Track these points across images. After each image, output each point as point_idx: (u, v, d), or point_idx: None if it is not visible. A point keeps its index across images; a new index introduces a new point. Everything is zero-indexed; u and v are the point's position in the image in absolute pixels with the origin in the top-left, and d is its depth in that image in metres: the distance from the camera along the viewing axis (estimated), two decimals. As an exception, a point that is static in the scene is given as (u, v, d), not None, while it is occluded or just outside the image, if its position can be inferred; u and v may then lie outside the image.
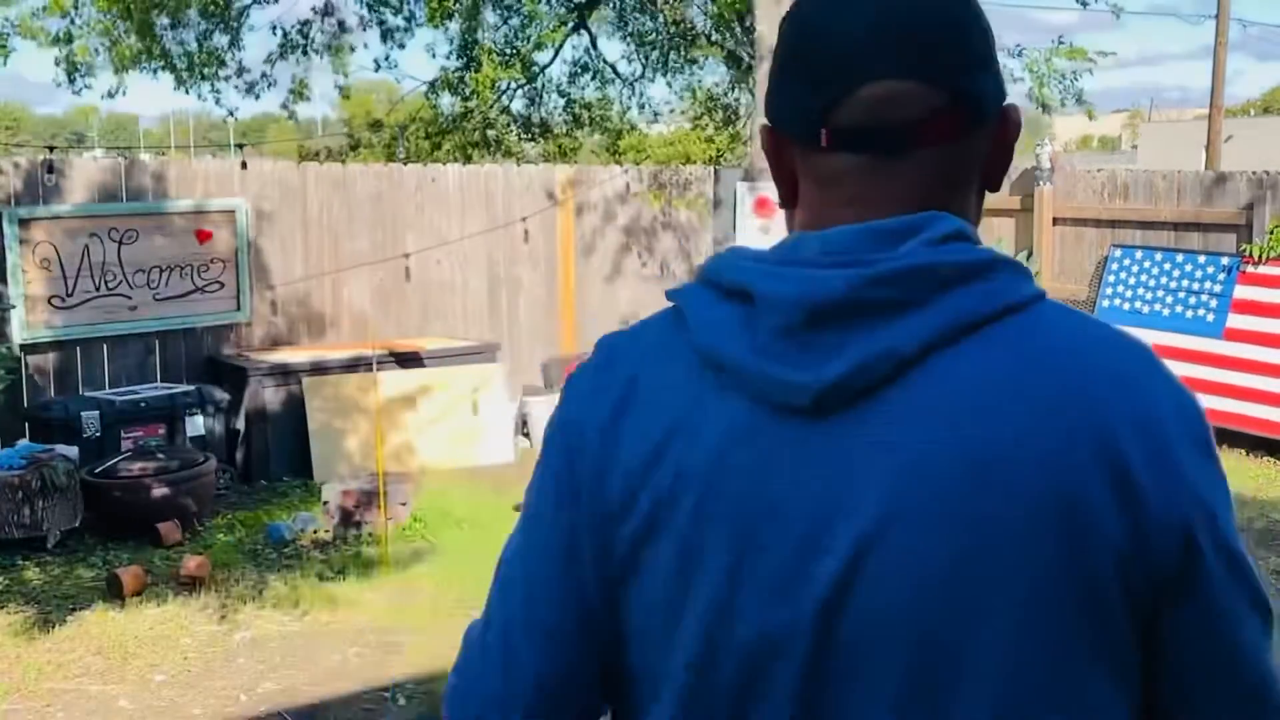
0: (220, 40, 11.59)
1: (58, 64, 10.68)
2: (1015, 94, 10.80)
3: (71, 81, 10.81)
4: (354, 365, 7.91)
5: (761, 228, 9.11)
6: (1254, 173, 8.70)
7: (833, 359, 0.91)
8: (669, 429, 0.96)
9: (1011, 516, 0.89)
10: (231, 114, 12.60)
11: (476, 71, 11.44)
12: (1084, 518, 0.88)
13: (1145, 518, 0.89)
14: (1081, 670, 0.90)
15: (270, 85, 12.25)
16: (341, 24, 12.01)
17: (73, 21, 10.29)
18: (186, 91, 12.01)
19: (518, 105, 12.64)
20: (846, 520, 0.90)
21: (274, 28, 12.06)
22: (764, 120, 1.05)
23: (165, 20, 10.96)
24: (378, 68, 13.18)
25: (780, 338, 0.92)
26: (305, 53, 11.97)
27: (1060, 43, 10.02)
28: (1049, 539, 0.89)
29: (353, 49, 12.20)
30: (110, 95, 11.40)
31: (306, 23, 11.94)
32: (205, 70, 11.61)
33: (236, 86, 12.11)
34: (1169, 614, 0.92)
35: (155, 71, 11.30)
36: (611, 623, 1.02)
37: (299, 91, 12.18)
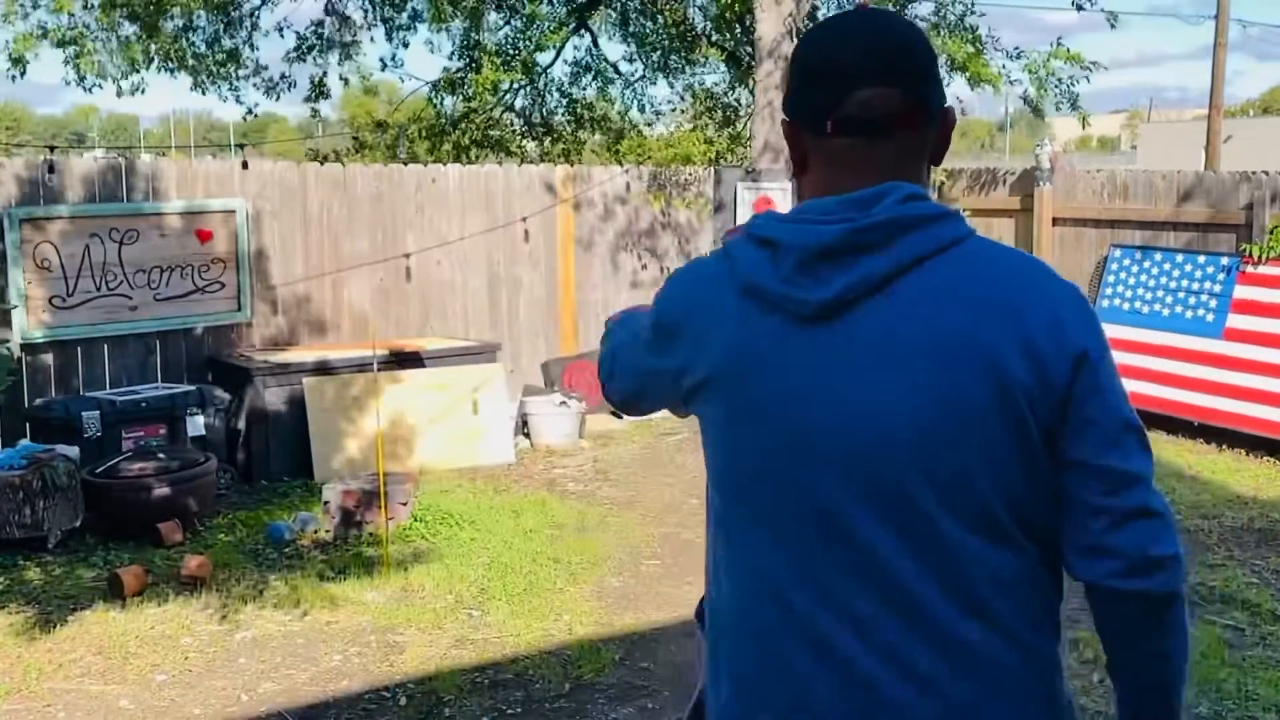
0: (231, 41, 11.62)
1: (66, 64, 10.69)
2: (1012, 96, 10.84)
3: (82, 80, 10.81)
4: (354, 365, 7.92)
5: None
6: (1253, 173, 8.71)
7: (828, 284, 1.42)
8: (719, 331, 1.50)
9: (956, 379, 1.39)
10: (251, 111, 12.68)
11: (478, 73, 11.45)
12: (1004, 376, 1.39)
13: (1044, 367, 1.40)
14: (1013, 470, 1.42)
15: (291, 86, 12.30)
16: (347, 20, 12.03)
17: (86, 27, 10.30)
18: (204, 93, 12.07)
19: (519, 103, 12.65)
20: (839, 377, 1.42)
21: (280, 29, 12.08)
22: (784, 116, 1.56)
23: (175, 23, 10.99)
24: (384, 66, 13.17)
25: (795, 270, 1.43)
26: (323, 52, 12.01)
27: (1059, 45, 10.01)
28: (984, 390, 1.39)
29: (360, 44, 12.23)
30: (131, 93, 11.39)
31: (320, 22, 11.99)
32: (223, 70, 11.64)
33: (256, 85, 12.18)
34: (1067, 424, 1.43)
35: (173, 72, 11.33)
36: (672, 397, 1.67)
37: (319, 90, 12.23)
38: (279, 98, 12.43)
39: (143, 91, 11.49)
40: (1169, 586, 1.45)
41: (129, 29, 10.58)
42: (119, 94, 11.30)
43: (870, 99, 1.45)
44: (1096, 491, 1.43)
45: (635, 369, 1.72)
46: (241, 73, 11.84)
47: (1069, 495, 1.45)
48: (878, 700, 1.42)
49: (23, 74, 10.29)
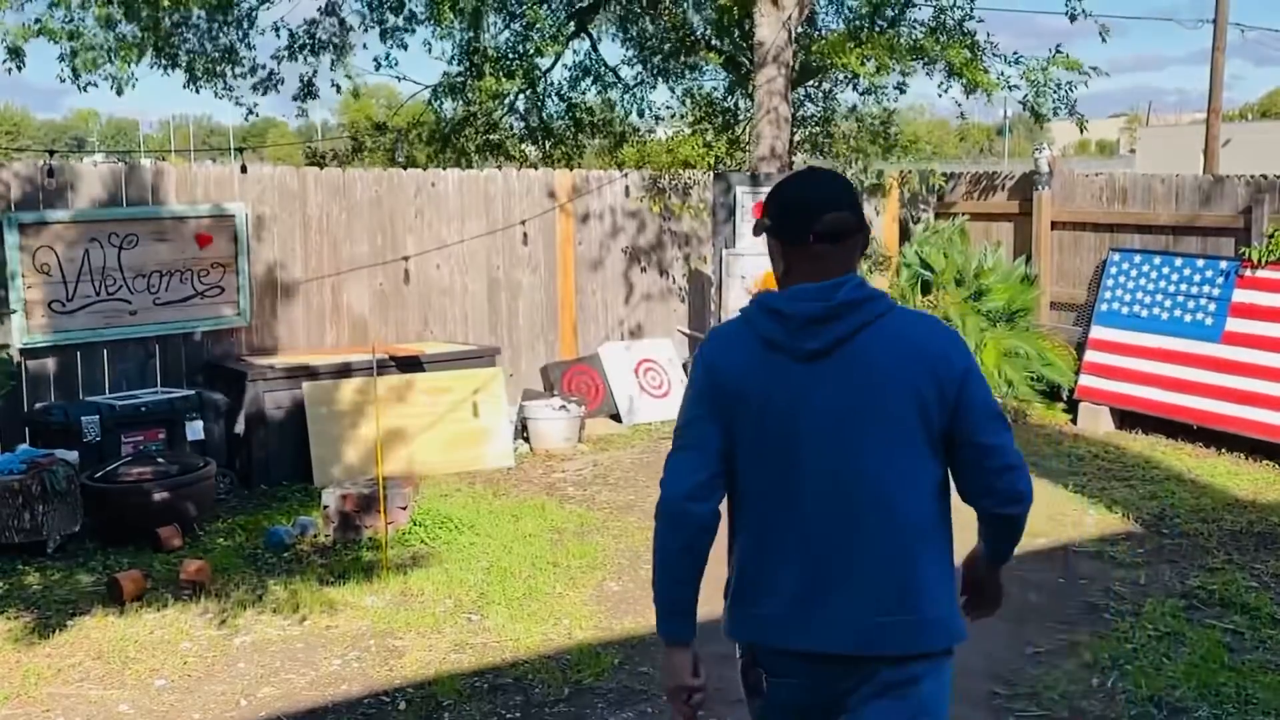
0: (228, 39, 11.55)
1: (61, 60, 10.63)
2: (1009, 102, 10.85)
3: (76, 77, 10.74)
4: (354, 369, 7.92)
5: (761, 232, 9.11)
6: (1252, 177, 8.71)
7: (815, 339, 2.37)
8: (748, 371, 2.41)
9: (890, 397, 2.35)
10: (252, 111, 12.59)
11: (478, 79, 11.44)
12: (921, 396, 2.34)
13: (945, 390, 2.34)
14: (922, 452, 2.38)
15: (280, 84, 12.21)
16: (343, 22, 11.99)
17: (81, 21, 10.24)
18: (198, 90, 11.93)
19: (520, 106, 12.64)
20: (818, 394, 2.36)
21: (276, 28, 12.04)
22: (770, 236, 2.50)
23: (172, 20, 10.93)
24: (378, 66, 13.11)
25: (796, 329, 2.37)
26: (314, 52, 11.95)
27: (1057, 52, 10.01)
28: (908, 403, 2.34)
29: (352, 48, 12.18)
30: (120, 90, 11.29)
31: (314, 22, 11.93)
32: (218, 67, 11.56)
33: (255, 87, 12.09)
34: (959, 416, 2.36)
35: (165, 69, 11.25)
36: (730, 447, 2.43)
37: (308, 90, 12.17)
38: (266, 93, 12.32)
39: (133, 86, 11.40)
40: (1023, 508, 2.47)
41: (126, 27, 10.52)
42: (118, 91, 11.20)
43: (835, 219, 2.41)
44: (982, 455, 2.39)
45: (704, 429, 2.45)
46: (238, 71, 11.76)
47: (964, 459, 2.41)
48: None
49: (20, 68, 10.21)
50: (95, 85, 11.40)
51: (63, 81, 11.03)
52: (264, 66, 12.04)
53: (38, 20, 10.07)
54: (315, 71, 12.25)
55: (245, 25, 11.61)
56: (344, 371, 7.91)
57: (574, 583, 5.77)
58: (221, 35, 11.55)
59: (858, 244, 2.45)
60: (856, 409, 2.35)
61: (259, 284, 8.31)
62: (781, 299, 2.41)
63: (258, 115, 13.04)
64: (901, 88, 11.38)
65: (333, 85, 12.65)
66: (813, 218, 2.39)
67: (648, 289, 10.29)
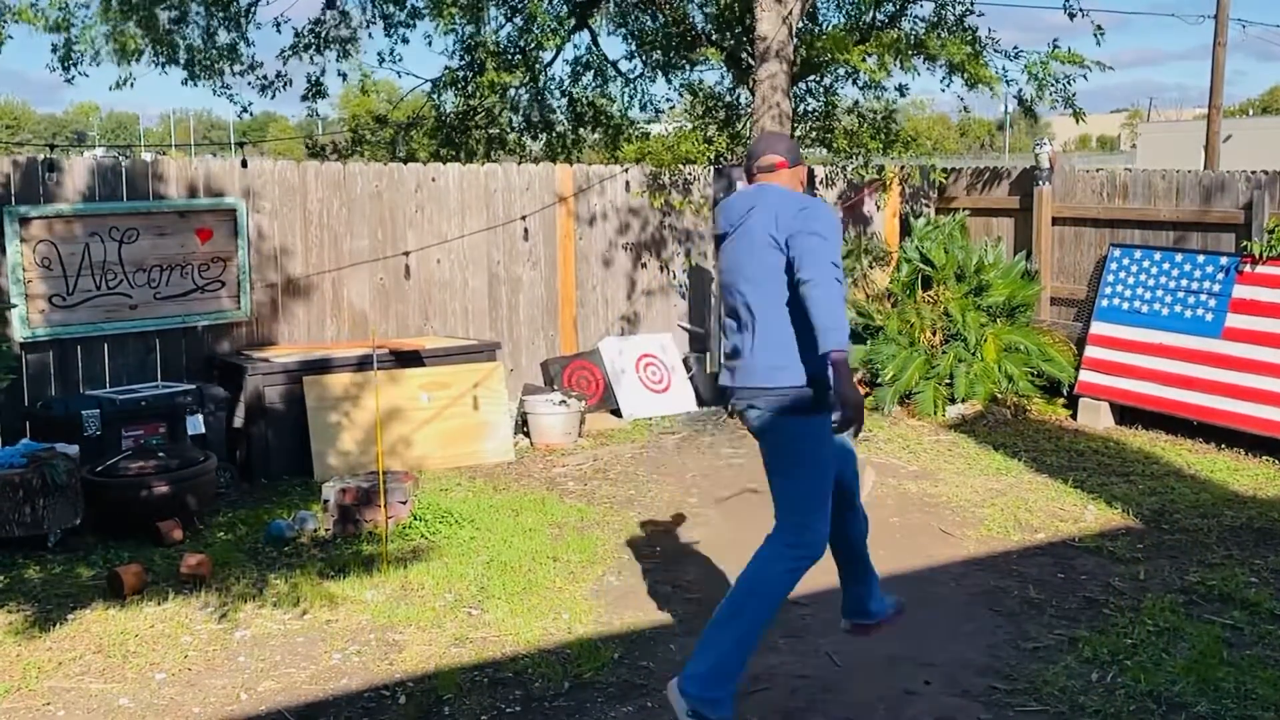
0: (227, 36, 11.51)
1: (54, 50, 10.57)
2: (1010, 97, 10.84)
3: (65, 70, 10.67)
4: (354, 364, 7.93)
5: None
6: (1253, 172, 8.71)
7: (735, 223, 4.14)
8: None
9: (755, 239, 3.97)
10: (246, 109, 12.51)
11: (479, 74, 11.42)
12: (770, 237, 3.91)
13: (783, 229, 3.89)
14: (776, 265, 3.89)
15: (287, 84, 12.15)
16: (345, 15, 11.95)
17: (69, 9, 10.17)
18: (196, 85, 11.86)
19: (520, 100, 12.61)
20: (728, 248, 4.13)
21: (277, 25, 11.99)
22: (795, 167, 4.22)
23: (170, 15, 10.89)
24: (381, 61, 13.06)
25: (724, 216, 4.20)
26: (320, 50, 11.91)
27: (1055, 46, 9.99)
28: (764, 240, 3.92)
29: (357, 43, 12.13)
30: (118, 86, 11.23)
31: (319, 20, 11.89)
32: (216, 65, 11.50)
33: (250, 83, 12.03)
34: (794, 245, 3.81)
35: (163, 66, 11.21)
36: None
37: (316, 89, 12.12)
38: (274, 96, 12.31)
39: (131, 85, 11.36)
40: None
41: (125, 25, 10.49)
42: (118, 84, 11.13)
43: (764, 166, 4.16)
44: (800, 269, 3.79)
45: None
46: (236, 69, 11.71)
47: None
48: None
49: None
50: (86, 76, 11.37)
51: (51, 71, 10.97)
52: (262, 65, 12.00)
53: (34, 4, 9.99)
54: (323, 70, 12.22)
55: (244, 22, 11.56)
56: (345, 366, 7.92)
57: (574, 577, 5.77)
58: (221, 33, 11.51)
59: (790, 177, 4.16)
60: (739, 255, 4.07)
61: (259, 278, 8.31)
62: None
63: (251, 113, 12.99)
64: (902, 90, 11.38)
65: (339, 74, 12.61)
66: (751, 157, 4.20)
67: (648, 284, 10.28)
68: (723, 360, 4.16)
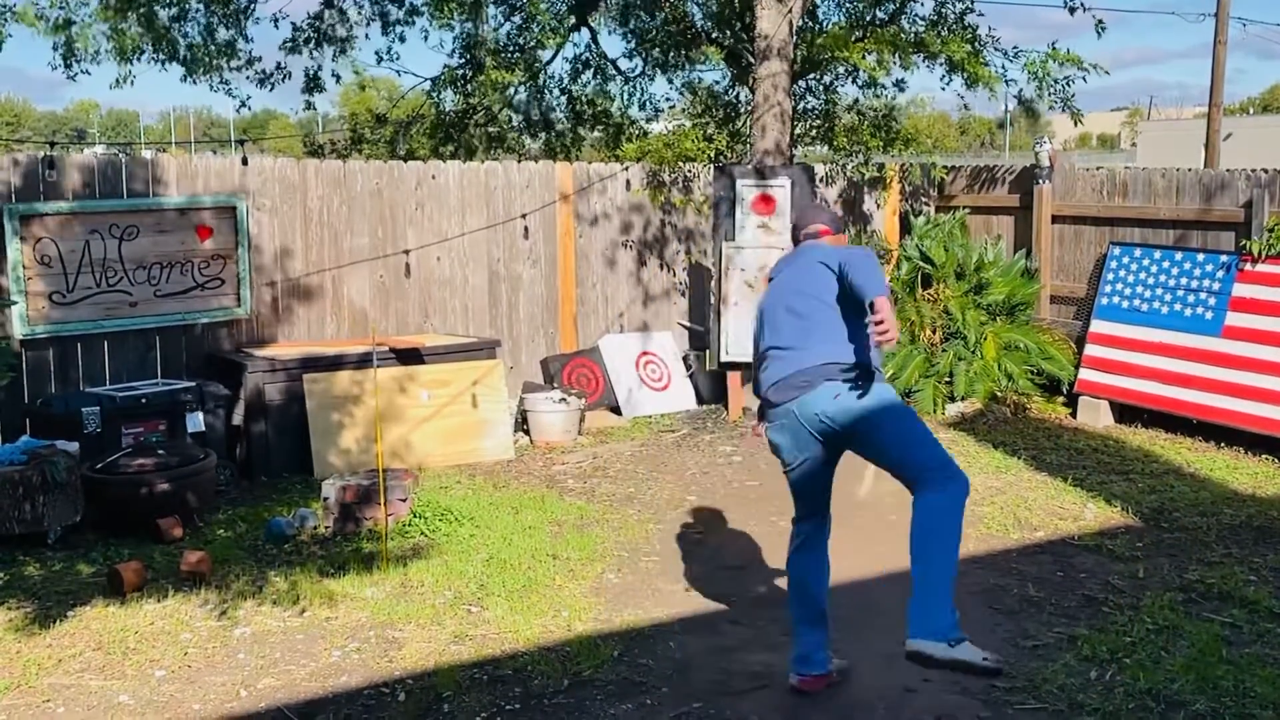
0: (226, 34, 11.48)
1: (56, 49, 10.58)
2: (1009, 96, 10.84)
3: (68, 67, 10.67)
4: (354, 362, 7.93)
5: (761, 224, 9.12)
6: (1253, 171, 8.70)
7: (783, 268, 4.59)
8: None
9: (808, 265, 4.35)
10: (244, 104, 12.47)
11: (479, 71, 11.42)
12: (822, 263, 4.25)
13: (835, 258, 4.21)
14: (829, 281, 4.20)
15: (285, 78, 12.12)
16: (343, 13, 11.92)
17: (70, 7, 10.17)
18: (195, 83, 11.84)
19: (519, 99, 12.60)
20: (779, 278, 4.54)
21: (275, 20, 11.98)
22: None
23: (169, 12, 10.87)
24: (379, 60, 13.03)
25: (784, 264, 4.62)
26: (319, 45, 11.88)
27: (1054, 47, 9.99)
28: (817, 266, 4.27)
29: (354, 40, 12.10)
30: (118, 83, 11.21)
31: (318, 15, 11.87)
32: (215, 61, 11.48)
33: (249, 78, 12.00)
34: (846, 265, 4.10)
35: (162, 64, 11.19)
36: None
37: (314, 84, 12.09)
38: (273, 88, 12.25)
39: (131, 83, 11.35)
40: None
41: (123, 23, 10.47)
42: (118, 83, 11.11)
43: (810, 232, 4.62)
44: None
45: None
46: (234, 64, 11.68)
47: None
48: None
49: None
50: (88, 74, 11.37)
51: (54, 69, 10.96)
52: (260, 59, 11.97)
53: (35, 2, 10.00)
54: (320, 66, 12.21)
55: (242, 19, 11.55)
56: (344, 363, 7.92)
57: (573, 575, 5.78)
58: (220, 29, 11.49)
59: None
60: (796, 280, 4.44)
61: (259, 276, 8.32)
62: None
63: (250, 108, 12.95)
64: (901, 85, 11.38)
65: (333, 75, 12.59)
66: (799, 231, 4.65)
67: (648, 282, 10.29)
68: (769, 378, 4.28)
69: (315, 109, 13.02)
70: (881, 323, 3.79)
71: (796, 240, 4.61)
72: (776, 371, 4.24)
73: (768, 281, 4.57)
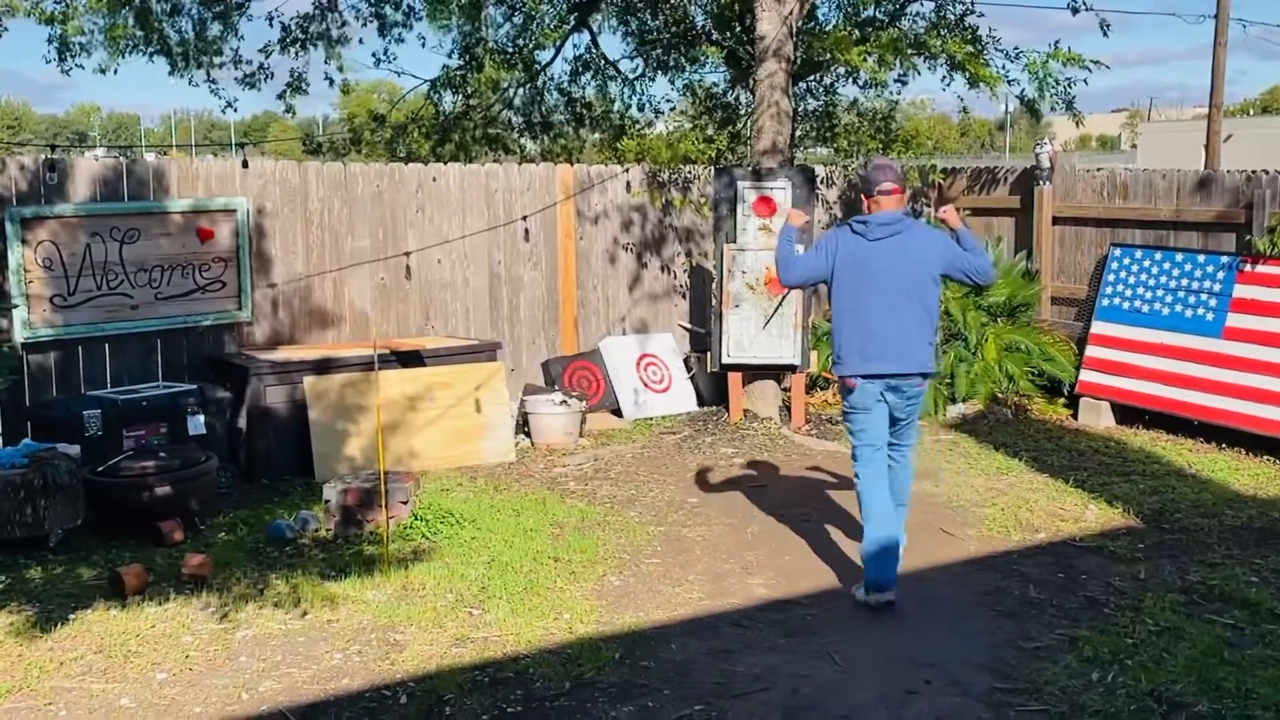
0: (216, 29, 11.43)
1: (50, 42, 10.57)
2: (1010, 97, 10.83)
3: (62, 60, 10.67)
4: (355, 364, 7.93)
5: (762, 226, 9.12)
6: (1253, 172, 8.70)
7: (883, 235, 5.51)
8: (843, 247, 5.58)
9: (920, 256, 5.51)
10: (231, 105, 12.41)
11: (478, 72, 11.41)
12: (934, 260, 5.53)
13: (943, 256, 5.56)
14: (935, 289, 5.56)
15: (269, 78, 12.06)
16: (337, 13, 11.89)
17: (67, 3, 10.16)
18: (180, 76, 11.79)
19: (518, 100, 12.59)
20: (878, 259, 5.50)
21: (270, 20, 11.95)
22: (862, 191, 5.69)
23: (163, 6, 10.85)
24: (377, 62, 13.01)
25: (872, 229, 5.52)
26: (304, 46, 11.84)
27: (1056, 46, 9.98)
28: (930, 260, 5.51)
29: (347, 41, 12.05)
30: (101, 71, 11.17)
31: (308, 16, 11.83)
32: (201, 58, 11.43)
33: (235, 78, 11.95)
34: (954, 262, 5.59)
35: (151, 56, 11.15)
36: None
37: (296, 85, 12.04)
38: (259, 88, 12.19)
39: (115, 72, 11.33)
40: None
41: (116, 18, 10.46)
42: (101, 70, 11.08)
43: (888, 189, 5.52)
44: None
45: (809, 264, 5.66)
46: (218, 61, 11.60)
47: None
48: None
49: None
50: (81, 67, 11.34)
51: (48, 63, 10.95)
52: (249, 61, 11.93)
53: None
54: (306, 68, 12.16)
55: (235, 18, 11.52)
56: (346, 366, 7.92)
57: (575, 577, 5.78)
58: (211, 26, 11.46)
59: (902, 199, 5.57)
60: (900, 265, 5.44)
61: (261, 278, 8.32)
62: (861, 222, 5.51)
63: (236, 109, 12.90)
64: (903, 79, 11.36)
65: (326, 78, 12.56)
66: (877, 185, 5.50)
67: (649, 284, 10.29)
68: (872, 345, 5.42)
69: (294, 112, 12.96)
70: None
71: (869, 194, 5.50)
72: (881, 348, 5.43)
73: (831, 232, 5.74)
